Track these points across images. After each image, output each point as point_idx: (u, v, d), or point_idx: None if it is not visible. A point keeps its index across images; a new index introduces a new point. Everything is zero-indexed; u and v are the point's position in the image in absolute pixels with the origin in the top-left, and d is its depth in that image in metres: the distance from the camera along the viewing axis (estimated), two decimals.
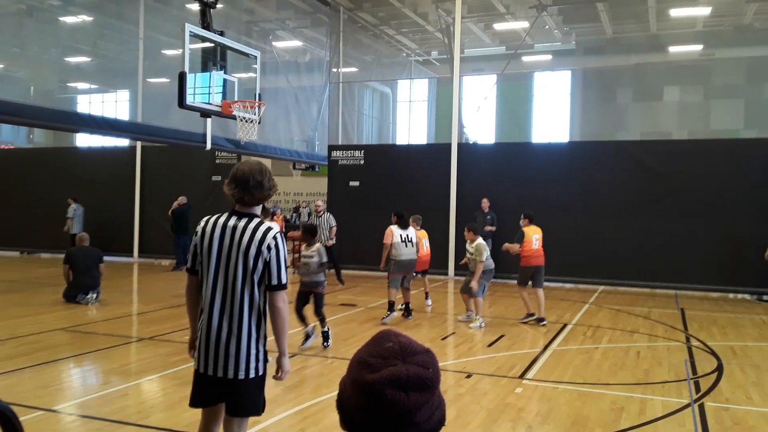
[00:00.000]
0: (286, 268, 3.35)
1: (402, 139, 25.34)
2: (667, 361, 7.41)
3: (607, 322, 9.85)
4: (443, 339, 8.58)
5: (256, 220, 3.34)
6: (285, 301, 3.34)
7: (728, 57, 20.37)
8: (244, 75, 11.88)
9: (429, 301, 10.99)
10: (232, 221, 3.34)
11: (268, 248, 3.26)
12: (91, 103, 29.78)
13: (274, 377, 3.41)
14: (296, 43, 21.95)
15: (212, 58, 10.34)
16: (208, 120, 12.94)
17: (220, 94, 10.41)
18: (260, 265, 3.26)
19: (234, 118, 10.58)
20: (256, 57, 11.09)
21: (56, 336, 8.21)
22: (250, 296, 3.27)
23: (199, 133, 13.58)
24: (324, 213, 13.07)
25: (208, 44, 10.24)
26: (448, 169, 14.86)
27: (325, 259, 7.70)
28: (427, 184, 14.91)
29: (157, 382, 6.35)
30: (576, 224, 13.45)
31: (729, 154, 13.01)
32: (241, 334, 3.26)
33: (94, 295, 10.53)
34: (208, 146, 13.79)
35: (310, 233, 7.84)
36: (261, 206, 3.42)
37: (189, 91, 9.64)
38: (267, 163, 22.50)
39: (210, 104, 10.14)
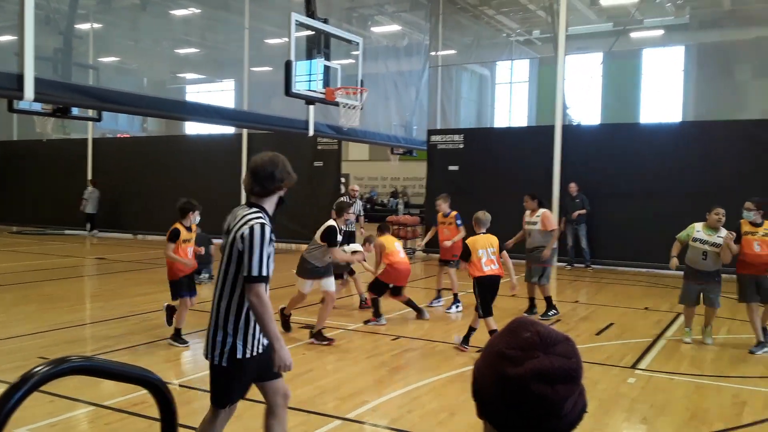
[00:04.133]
0: (261, 259, 3.14)
1: (500, 121, 24.89)
2: None
3: (725, 311, 9.26)
4: None
5: (247, 210, 3.26)
6: (258, 294, 3.11)
7: None
8: (344, 61, 12.01)
9: None
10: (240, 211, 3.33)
11: (242, 238, 3.14)
12: (198, 92, 31.19)
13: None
14: (394, 28, 21.99)
15: (316, 46, 10.53)
16: (311, 107, 13.19)
17: (324, 81, 10.61)
18: (234, 256, 3.19)
19: (337, 104, 10.75)
20: (358, 43, 11.20)
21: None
22: (231, 286, 3.21)
23: (301, 120, 13.90)
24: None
25: (311, 32, 10.44)
26: (551, 151, 14.45)
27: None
28: (528, 168, 14.56)
29: None
30: (691, 209, 12.60)
31: None
32: (211, 320, 3.28)
33: (207, 275, 11.13)
34: (311, 132, 14.09)
35: None
36: (272, 198, 3.31)
37: (295, 79, 9.89)
38: (366, 148, 22.66)
39: (315, 91, 10.34)
